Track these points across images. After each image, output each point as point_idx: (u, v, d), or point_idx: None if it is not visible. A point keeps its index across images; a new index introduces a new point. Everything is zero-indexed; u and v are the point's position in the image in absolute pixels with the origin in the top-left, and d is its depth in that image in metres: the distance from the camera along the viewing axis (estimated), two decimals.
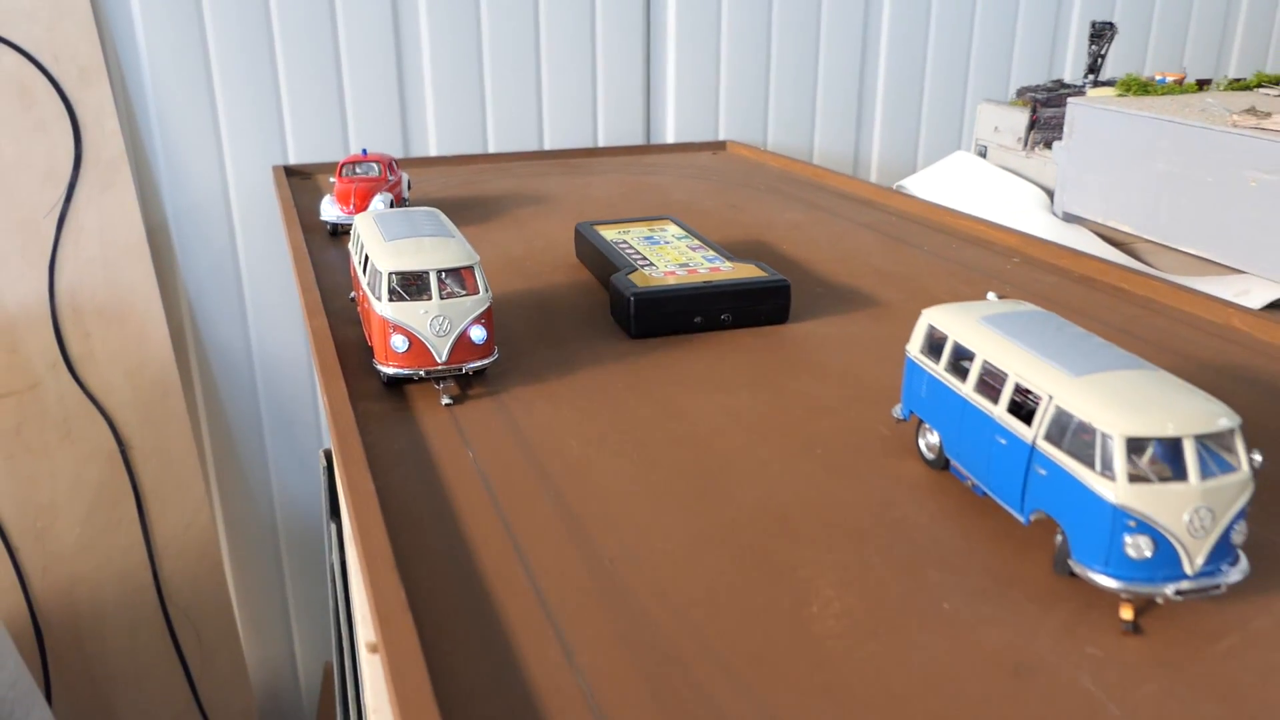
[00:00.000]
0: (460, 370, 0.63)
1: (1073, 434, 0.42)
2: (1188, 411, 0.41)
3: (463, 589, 0.44)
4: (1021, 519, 0.46)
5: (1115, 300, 0.82)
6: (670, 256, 0.82)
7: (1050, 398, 0.44)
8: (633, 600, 0.43)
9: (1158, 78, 1.25)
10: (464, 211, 1.14)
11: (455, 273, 0.63)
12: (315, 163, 1.39)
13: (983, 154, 1.39)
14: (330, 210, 1.00)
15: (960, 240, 1.01)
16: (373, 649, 0.56)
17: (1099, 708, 0.37)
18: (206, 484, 1.56)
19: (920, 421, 0.55)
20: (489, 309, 0.63)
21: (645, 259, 0.81)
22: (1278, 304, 0.95)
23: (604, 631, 0.41)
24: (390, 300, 0.61)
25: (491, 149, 1.51)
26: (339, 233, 1.02)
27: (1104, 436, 0.41)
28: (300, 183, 1.28)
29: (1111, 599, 0.42)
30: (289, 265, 1.48)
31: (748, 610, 0.43)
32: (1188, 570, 0.41)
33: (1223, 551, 0.41)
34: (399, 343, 0.61)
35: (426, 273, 0.62)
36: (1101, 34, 1.33)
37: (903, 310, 0.80)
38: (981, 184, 1.29)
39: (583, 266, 0.92)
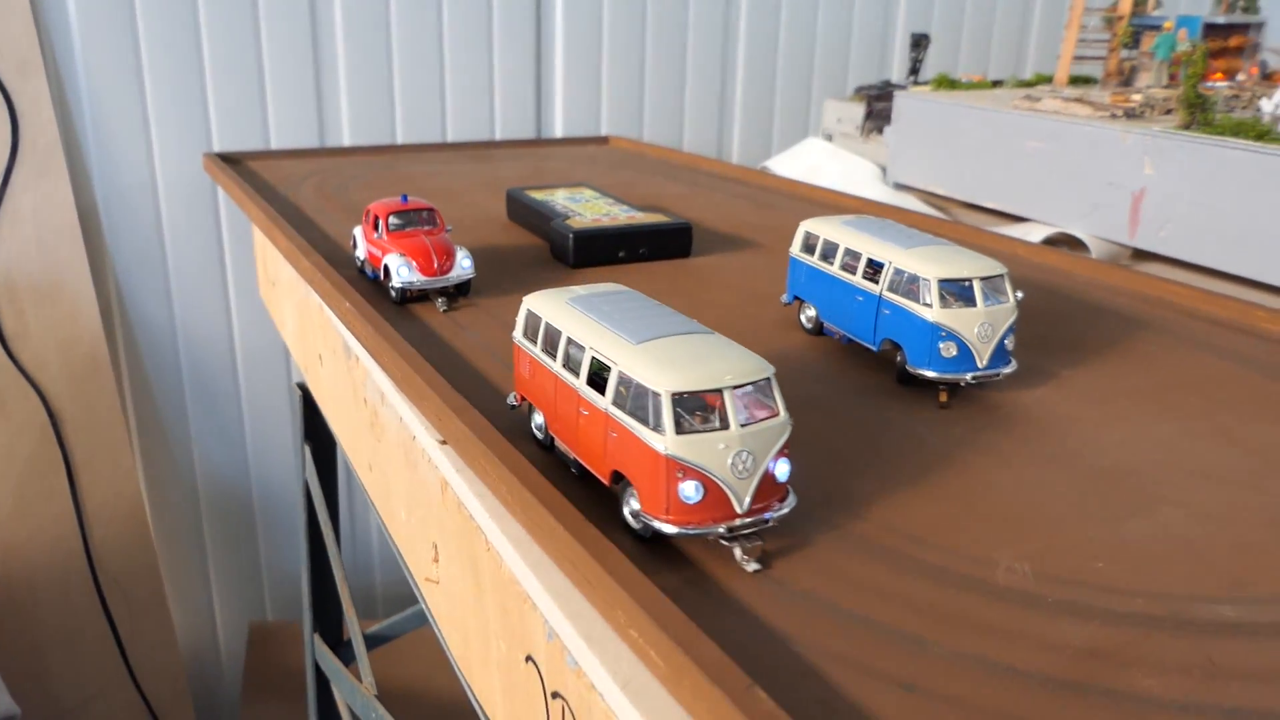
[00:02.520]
0: (765, 521, 0.47)
1: (906, 283, 0.65)
2: (975, 264, 0.64)
3: None
4: (874, 348, 0.68)
5: None
6: (593, 209, 1.02)
7: (891, 263, 0.66)
8: None
9: (963, 78, 1.54)
10: (394, 188, 1.31)
11: (749, 389, 0.47)
12: (239, 150, 1.52)
13: (829, 139, 1.65)
14: (406, 273, 0.81)
15: (814, 205, 1.25)
16: None
17: (925, 439, 0.59)
18: (133, 455, 1.65)
19: (801, 302, 0.77)
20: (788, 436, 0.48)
21: (574, 211, 1.01)
22: (1050, 239, 1.23)
23: None
24: (679, 433, 0.45)
25: (400, 140, 1.67)
26: (408, 300, 0.84)
27: (924, 281, 0.63)
28: (232, 168, 1.42)
29: (933, 391, 0.65)
30: (213, 247, 1.60)
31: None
32: (979, 365, 0.64)
33: (1001, 355, 0.64)
34: (690, 491, 0.45)
35: (721, 392, 0.46)
36: (919, 43, 1.62)
37: (776, 248, 1.03)
38: (829, 163, 1.56)
39: (514, 225, 1.11)
